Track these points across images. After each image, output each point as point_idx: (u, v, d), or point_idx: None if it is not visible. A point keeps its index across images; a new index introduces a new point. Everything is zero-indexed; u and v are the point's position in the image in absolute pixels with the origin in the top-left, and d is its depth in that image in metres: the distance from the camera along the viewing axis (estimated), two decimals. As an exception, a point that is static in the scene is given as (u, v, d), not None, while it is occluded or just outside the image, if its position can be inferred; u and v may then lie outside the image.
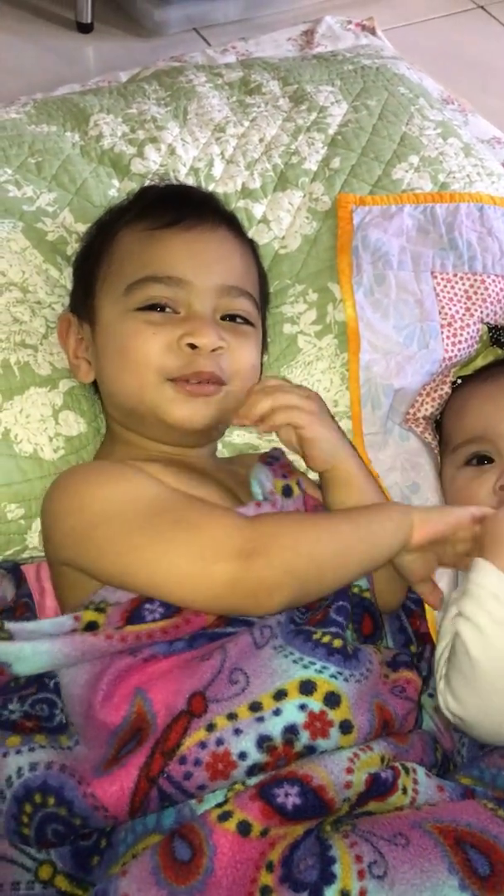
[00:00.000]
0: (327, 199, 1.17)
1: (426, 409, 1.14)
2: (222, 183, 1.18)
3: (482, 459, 1.01)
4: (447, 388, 1.14)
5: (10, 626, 0.79)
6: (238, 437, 1.10)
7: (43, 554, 1.00)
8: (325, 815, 0.69)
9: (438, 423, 1.15)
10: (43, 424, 0.98)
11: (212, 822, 0.67)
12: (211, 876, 0.65)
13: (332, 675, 0.75)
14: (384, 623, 0.96)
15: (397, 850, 0.65)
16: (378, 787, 0.71)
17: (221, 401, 0.95)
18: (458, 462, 1.03)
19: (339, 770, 0.70)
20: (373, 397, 1.07)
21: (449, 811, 0.70)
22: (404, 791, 0.72)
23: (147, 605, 0.80)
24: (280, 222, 1.16)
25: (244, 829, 0.67)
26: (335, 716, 0.73)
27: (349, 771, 0.70)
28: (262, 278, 1.09)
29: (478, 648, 0.81)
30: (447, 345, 1.09)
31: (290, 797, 0.68)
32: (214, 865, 0.65)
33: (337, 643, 0.78)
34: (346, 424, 1.09)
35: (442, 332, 1.10)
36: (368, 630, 0.89)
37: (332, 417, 1.02)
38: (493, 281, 1.14)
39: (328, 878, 0.63)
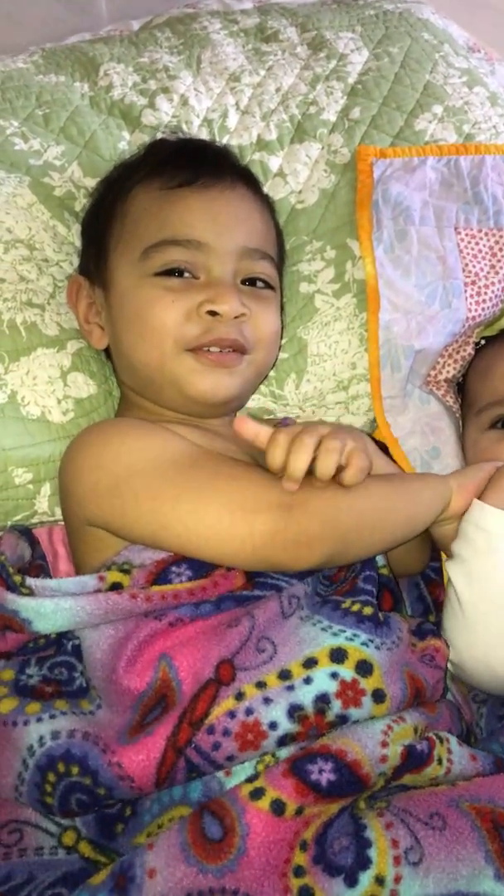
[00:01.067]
0: (346, 151, 1.12)
1: (448, 371, 1.10)
2: (237, 135, 1.13)
3: None
4: (470, 349, 1.10)
5: (32, 582, 0.76)
6: (253, 402, 1.06)
7: (52, 518, 0.98)
8: (361, 791, 0.67)
9: (461, 386, 1.11)
10: (51, 386, 0.95)
11: (244, 799, 0.65)
12: (244, 856, 0.63)
13: (364, 643, 0.73)
14: (403, 597, 0.94)
15: (433, 835, 0.63)
16: (414, 760, 0.69)
17: (245, 371, 0.91)
18: (482, 425, 0.99)
19: (373, 744, 0.68)
20: (392, 359, 1.03)
21: (486, 788, 0.68)
22: (440, 762, 0.70)
23: (174, 568, 0.77)
24: (297, 176, 1.11)
25: (278, 808, 0.65)
26: (367, 685, 0.71)
27: (384, 744, 0.68)
28: (279, 236, 1.05)
29: (462, 582, 0.82)
30: (471, 304, 1.05)
31: (324, 773, 0.66)
32: (247, 846, 0.63)
33: (367, 611, 0.76)
34: (364, 387, 1.06)
35: (466, 291, 1.05)
36: (388, 606, 0.87)
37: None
38: (519, 237, 1.09)
39: (364, 862, 0.62)
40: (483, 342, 1.10)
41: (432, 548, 0.97)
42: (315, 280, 1.07)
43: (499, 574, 0.82)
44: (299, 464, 0.75)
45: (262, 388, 1.06)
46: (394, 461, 1.01)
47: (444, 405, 1.08)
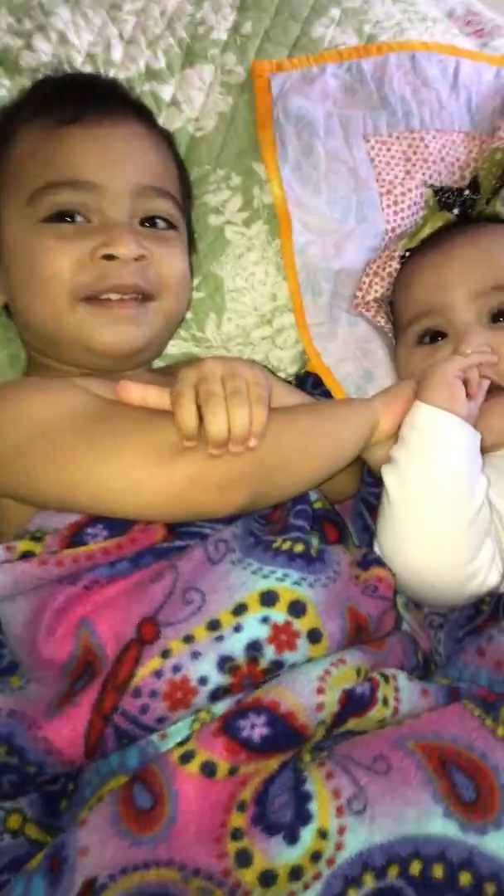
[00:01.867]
0: (241, 70, 1.04)
1: (376, 290, 1.04)
2: (123, 67, 1.05)
3: (435, 336, 0.92)
4: (396, 265, 1.04)
5: None
6: (174, 347, 1.00)
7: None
8: (299, 743, 0.63)
9: (391, 304, 1.05)
10: None
11: (173, 764, 0.61)
12: (174, 824, 0.59)
13: (296, 582, 0.69)
14: (348, 527, 0.89)
15: (377, 779, 0.59)
16: (354, 704, 0.65)
17: (152, 319, 0.85)
18: (410, 342, 0.94)
19: (308, 692, 0.64)
20: (313, 284, 0.98)
21: (433, 724, 0.64)
22: (385, 702, 0.66)
23: (89, 530, 0.72)
24: (192, 102, 1.04)
25: (209, 769, 0.60)
26: (301, 625, 0.67)
27: (320, 691, 0.64)
28: (182, 172, 0.98)
29: (394, 484, 0.79)
30: (388, 215, 0.99)
31: (256, 728, 0.61)
32: (178, 812, 0.59)
33: (298, 548, 0.72)
34: (289, 318, 1.01)
35: (381, 202, 0.99)
36: (334, 537, 0.83)
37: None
38: (434, 137, 1.03)
39: (304, 817, 0.58)
40: (407, 255, 1.04)
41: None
42: (223, 211, 1.00)
43: (430, 472, 0.78)
44: (218, 426, 0.68)
45: (182, 332, 1.00)
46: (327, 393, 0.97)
47: (375, 326, 1.02)
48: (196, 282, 0.99)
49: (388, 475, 0.81)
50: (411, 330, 0.94)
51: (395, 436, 0.83)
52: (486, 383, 0.84)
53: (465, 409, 0.80)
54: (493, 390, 0.86)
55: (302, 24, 1.08)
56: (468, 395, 0.81)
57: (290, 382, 1.05)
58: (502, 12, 1.31)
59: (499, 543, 0.82)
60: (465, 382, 0.81)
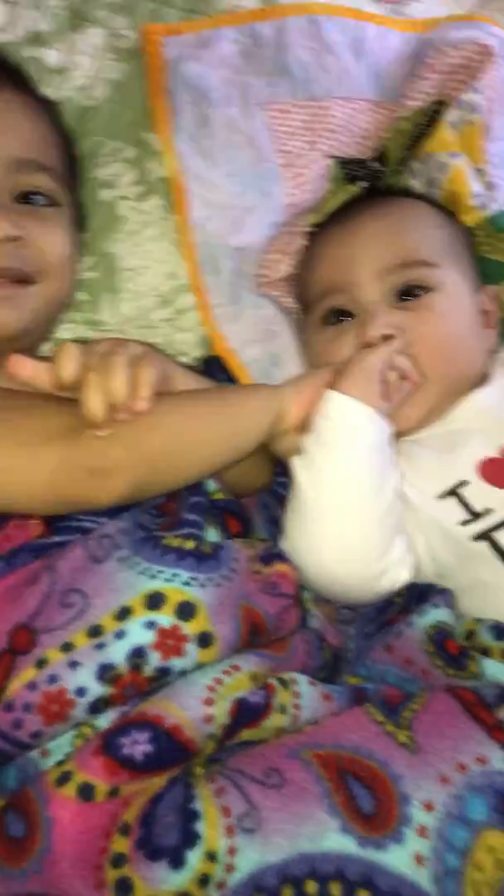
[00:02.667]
0: (132, 33, 0.98)
1: (282, 269, 0.99)
2: (3, 31, 0.98)
3: (340, 316, 0.87)
4: (301, 241, 0.99)
5: None
6: (67, 332, 0.94)
7: None
8: (186, 759, 0.58)
9: (297, 283, 1.00)
10: None
11: (49, 787, 0.56)
12: (48, 854, 0.54)
13: (185, 583, 0.64)
14: (253, 518, 0.85)
15: (270, 794, 0.55)
16: (247, 714, 0.60)
17: (31, 302, 0.80)
18: (315, 322, 0.90)
19: (196, 703, 0.59)
20: (213, 262, 0.93)
21: (332, 731, 0.60)
22: (283, 710, 0.62)
23: None
24: (80, 69, 0.97)
25: (87, 793, 0.55)
26: (190, 629, 0.62)
27: (209, 702, 0.59)
28: (68, 142, 0.92)
29: (305, 477, 0.77)
30: (290, 188, 0.95)
31: (138, 745, 0.57)
32: (52, 841, 0.54)
33: (189, 545, 0.68)
34: (190, 299, 0.96)
35: (282, 174, 0.95)
36: (236, 530, 0.79)
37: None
38: (337, 106, 0.98)
39: (191, 838, 0.53)
40: (314, 231, 0.99)
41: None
42: (116, 185, 0.94)
43: (341, 466, 0.76)
44: (93, 402, 0.64)
45: (75, 315, 0.94)
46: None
47: (282, 307, 0.98)
48: (90, 262, 0.93)
49: (298, 467, 0.78)
50: (317, 309, 0.89)
51: (305, 425, 0.78)
52: (407, 387, 0.81)
53: (381, 402, 0.78)
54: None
55: (197, -16, 1.02)
56: (386, 398, 0.78)
57: (194, 367, 1.00)
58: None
59: (412, 537, 0.80)
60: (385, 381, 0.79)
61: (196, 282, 0.93)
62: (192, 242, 0.92)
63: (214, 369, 1.00)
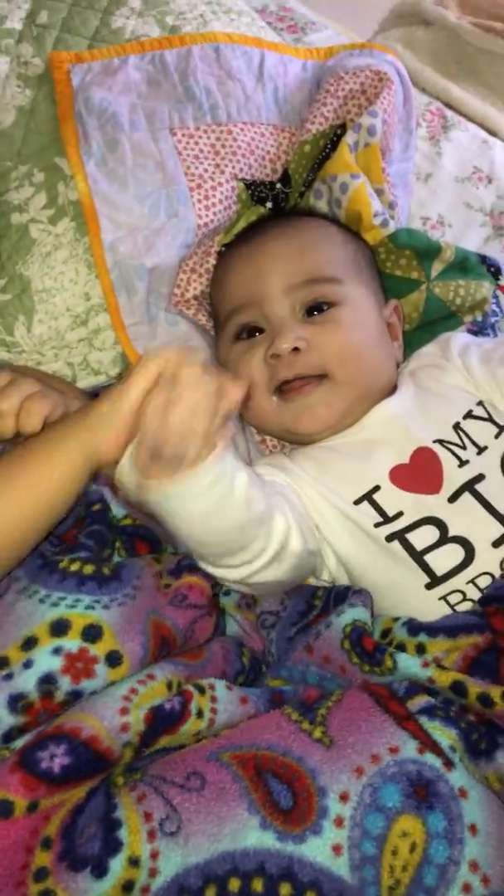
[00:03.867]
0: (39, 61, 1.00)
1: (195, 288, 1.01)
2: None
3: (252, 332, 0.90)
4: (213, 260, 1.01)
5: None
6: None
7: None
8: (105, 768, 0.59)
9: (210, 302, 1.03)
10: None
11: None
12: None
13: (88, 607, 0.65)
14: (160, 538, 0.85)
15: (191, 798, 0.56)
16: (162, 721, 0.61)
17: None
18: (228, 338, 0.92)
19: (112, 713, 0.60)
20: (126, 282, 0.94)
21: (249, 732, 0.62)
22: (200, 714, 0.63)
23: None
24: (-12, 96, 0.98)
25: (5, 809, 0.55)
26: (98, 650, 0.62)
27: (124, 711, 0.60)
28: None
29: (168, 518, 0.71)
30: (199, 209, 0.96)
31: (56, 758, 0.57)
32: None
33: (88, 569, 0.68)
34: (104, 318, 0.97)
35: (192, 196, 0.96)
36: (144, 552, 0.79)
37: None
38: (242, 130, 1.01)
39: (113, 846, 0.54)
40: (223, 250, 1.01)
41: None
42: (27, 208, 0.95)
43: (177, 521, 0.71)
44: None
45: (-10, 338, 0.94)
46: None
47: (196, 324, 1.00)
48: (2, 284, 0.94)
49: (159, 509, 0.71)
50: (228, 325, 0.91)
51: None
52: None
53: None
54: (315, 378, 0.86)
55: (101, 14, 1.04)
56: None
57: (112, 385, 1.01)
58: (315, 8, 1.33)
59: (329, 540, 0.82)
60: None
61: (110, 302, 0.94)
62: (105, 263, 0.93)
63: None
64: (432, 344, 0.96)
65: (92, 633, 0.62)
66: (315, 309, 0.88)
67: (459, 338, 0.94)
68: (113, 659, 0.62)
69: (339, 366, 0.86)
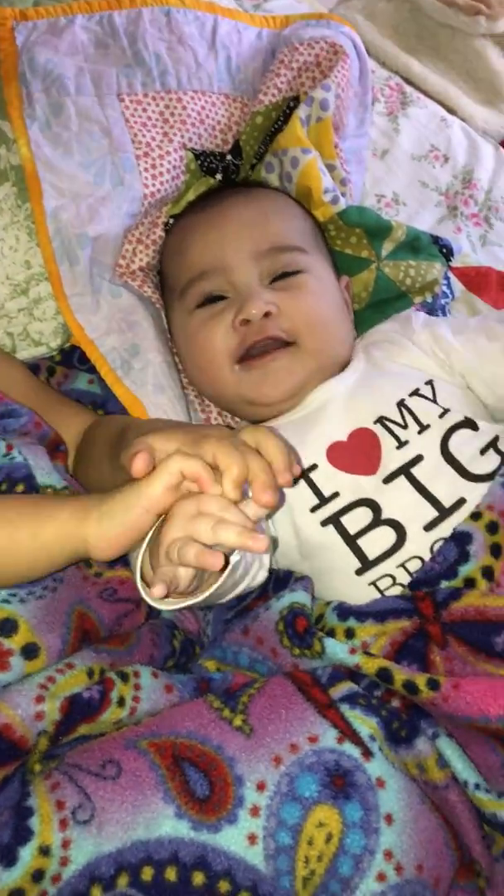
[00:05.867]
0: (-18, 17, 0.96)
1: (141, 259, 0.99)
2: None
3: (213, 300, 0.88)
4: (160, 232, 0.99)
5: None
6: None
7: None
8: (19, 757, 0.57)
9: (161, 273, 1.00)
10: None
11: None
12: None
13: (4, 600, 0.63)
14: None
15: (105, 786, 0.56)
16: (80, 710, 0.60)
17: None
18: (188, 307, 0.90)
19: (26, 702, 0.58)
20: (68, 251, 0.91)
21: (170, 720, 0.61)
22: (121, 703, 0.62)
23: None
24: None
25: None
26: (14, 643, 0.61)
27: (39, 700, 0.59)
28: None
29: None
30: (146, 178, 0.94)
31: None
32: None
33: None
34: (45, 288, 0.94)
35: (139, 164, 0.94)
36: None
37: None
38: (192, 98, 0.98)
39: (24, 835, 0.53)
40: (172, 221, 0.99)
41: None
42: (-34, 172, 0.92)
43: None
44: None
45: None
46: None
47: (140, 296, 0.97)
48: None
49: None
50: (189, 294, 0.89)
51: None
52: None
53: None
54: (281, 345, 0.84)
55: (50, -30, 1.00)
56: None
57: (55, 356, 0.99)
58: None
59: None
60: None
61: (51, 270, 0.91)
62: (46, 231, 0.90)
63: (75, 360, 0.99)
64: (391, 320, 0.94)
65: (6, 627, 0.61)
66: (280, 277, 0.87)
67: (422, 315, 0.93)
68: (29, 651, 0.60)
69: (308, 333, 0.85)
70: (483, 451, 0.78)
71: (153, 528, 0.62)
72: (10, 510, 0.63)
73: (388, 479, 0.77)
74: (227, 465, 0.58)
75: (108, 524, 0.60)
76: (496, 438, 0.79)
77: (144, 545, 0.62)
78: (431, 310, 1.01)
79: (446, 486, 0.76)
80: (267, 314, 0.84)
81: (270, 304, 0.84)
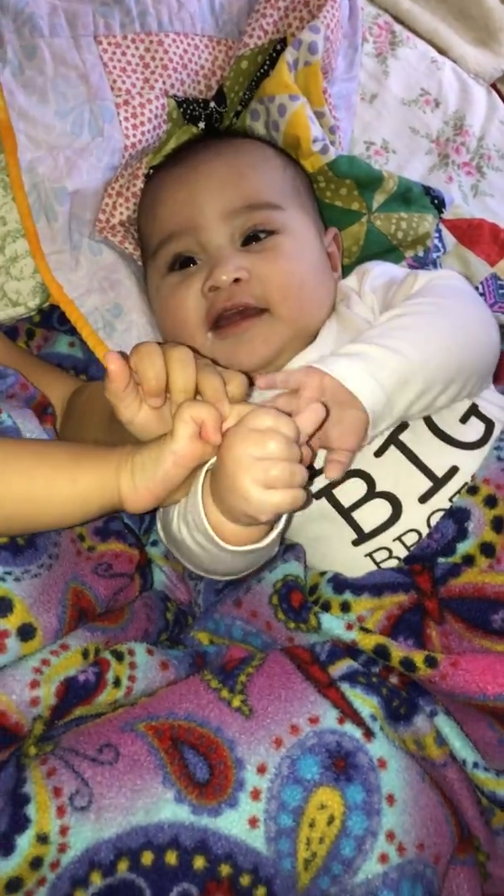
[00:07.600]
0: None
1: (121, 213, 0.95)
2: None
3: (186, 262, 0.84)
4: (140, 184, 0.95)
5: None
6: None
7: None
8: (14, 742, 0.56)
9: (138, 230, 0.96)
10: None
11: None
12: None
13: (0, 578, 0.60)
14: None
15: (103, 770, 0.55)
16: (76, 693, 0.59)
17: None
18: (160, 270, 0.86)
19: (21, 687, 0.57)
20: (45, 206, 0.87)
21: (167, 701, 0.60)
22: (117, 683, 0.61)
23: None
24: None
25: None
26: (10, 623, 0.59)
27: (34, 685, 0.57)
28: None
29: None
30: (127, 128, 0.89)
31: None
32: None
33: (1, 539, 0.63)
34: (22, 245, 0.90)
35: (118, 113, 0.89)
36: None
37: None
38: (174, 41, 0.93)
39: (21, 823, 0.52)
40: (152, 172, 0.95)
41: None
42: None
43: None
44: None
45: None
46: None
47: (122, 253, 0.94)
48: None
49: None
50: (160, 255, 0.85)
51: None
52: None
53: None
54: (254, 313, 0.80)
55: None
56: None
57: (34, 317, 0.95)
58: None
59: None
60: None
61: (28, 226, 0.87)
62: (22, 185, 0.86)
63: (55, 320, 0.96)
64: (353, 273, 0.90)
65: (2, 608, 0.58)
66: (253, 237, 0.83)
67: (377, 268, 0.88)
68: (25, 632, 0.59)
69: (281, 299, 0.80)
70: (464, 420, 0.76)
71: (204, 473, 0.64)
72: (50, 455, 0.63)
73: (380, 452, 0.75)
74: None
75: (139, 476, 0.62)
76: (474, 406, 0.77)
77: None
78: (423, 264, 0.98)
79: (436, 454, 0.74)
80: (237, 280, 0.79)
81: (241, 269, 0.80)
